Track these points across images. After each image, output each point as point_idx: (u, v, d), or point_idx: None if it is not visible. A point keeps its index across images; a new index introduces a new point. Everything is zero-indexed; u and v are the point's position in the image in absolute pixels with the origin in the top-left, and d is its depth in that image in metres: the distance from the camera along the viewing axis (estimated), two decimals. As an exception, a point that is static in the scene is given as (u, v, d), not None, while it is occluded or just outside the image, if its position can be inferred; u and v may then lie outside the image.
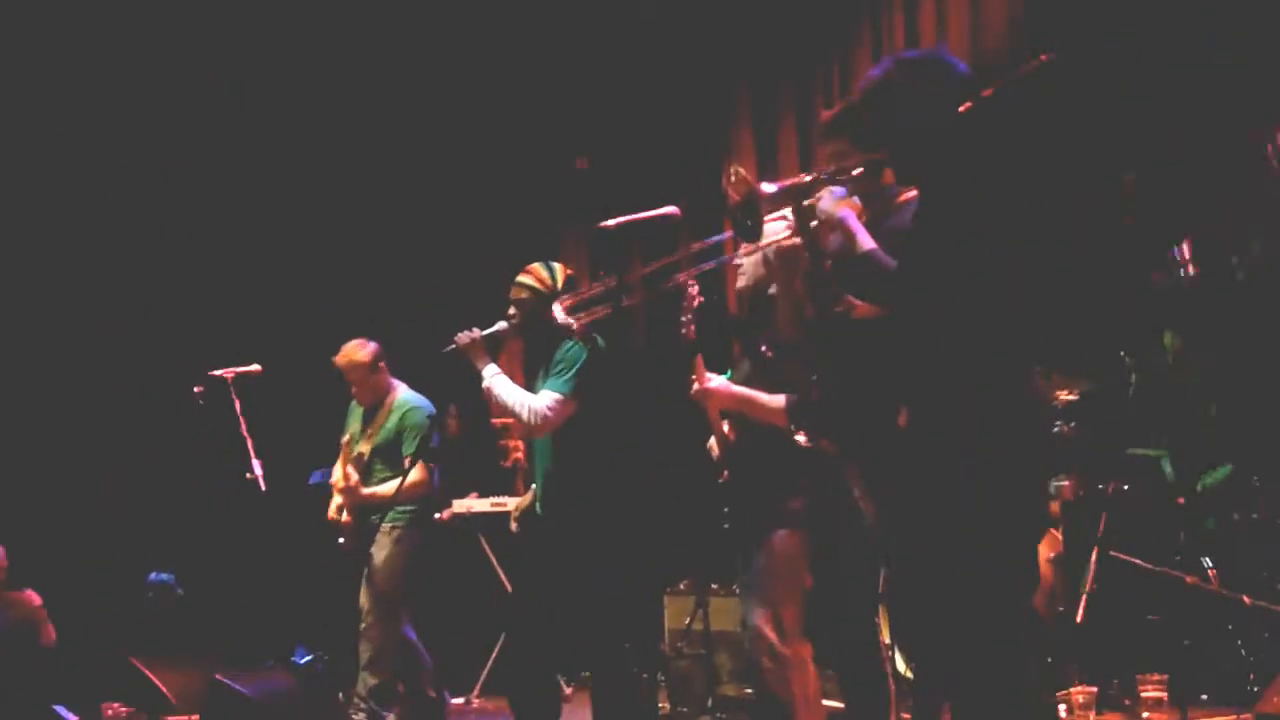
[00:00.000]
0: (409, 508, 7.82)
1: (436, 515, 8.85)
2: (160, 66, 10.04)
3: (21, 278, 9.94)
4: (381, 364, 8.01)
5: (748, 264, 5.49)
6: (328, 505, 7.95)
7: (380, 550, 7.76)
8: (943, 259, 3.88)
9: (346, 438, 7.94)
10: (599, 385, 6.33)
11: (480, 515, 9.56)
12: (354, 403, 8.15)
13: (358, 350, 7.99)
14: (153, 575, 9.53)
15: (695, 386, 5.51)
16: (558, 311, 6.24)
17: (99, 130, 10.00)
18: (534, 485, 6.54)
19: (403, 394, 8.02)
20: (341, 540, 7.86)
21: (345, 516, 7.82)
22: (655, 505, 6.81)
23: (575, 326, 6.18)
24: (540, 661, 6.41)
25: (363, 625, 7.73)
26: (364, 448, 7.86)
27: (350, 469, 7.75)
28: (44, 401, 9.80)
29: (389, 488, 7.70)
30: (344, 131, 10.51)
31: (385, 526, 7.75)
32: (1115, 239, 7.33)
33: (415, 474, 7.78)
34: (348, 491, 7.76)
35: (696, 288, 5.54)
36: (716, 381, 5.49)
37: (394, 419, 7.92)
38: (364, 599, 7.75)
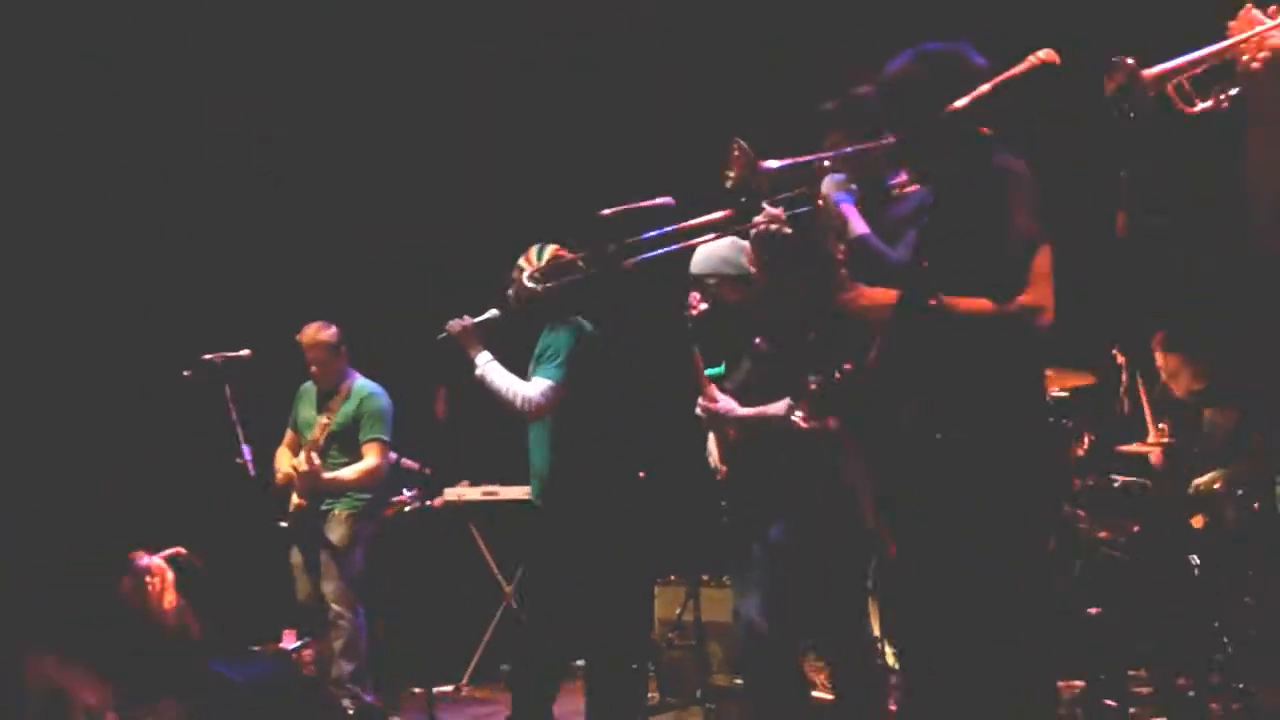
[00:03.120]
0: (364, 494, 7.85)
1: (430, 503, 8.87)
2: (147, 53, 9.99)
3: (9, 263, 9.90)
4: (343, 348, 8.06)
5: (716, 290, 5.54)
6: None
7: (337, 537, 7.82)
8: (957, 253, 3.90)
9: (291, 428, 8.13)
10: (590, 373, 6.33)
11: (471, 503, 9.56)
12: (304, 387, 8.22)
13: (321, 331, 8.06)
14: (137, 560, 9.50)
15: (702, 406, 5.53)
16: (526, 280, 6.25)
17: (90, 117, 9.95)
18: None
19: (360, 380, 8.08)
20: (284, 523, 7.91)
21: (296, 500, 7.85)
22: (648, 495, 6.82)
23: (540, 291, 6.18)
24: (539, 650, 6.41)
25: (330, 614, 7.77)
26: (319, 432, 7.87)
27: (312, 454, 7.76)
28: (31, 386, 9.75)
29: (348, 473, 7.77)
30: (338, 116, 10.47)
31: (340, 513, 7.81)
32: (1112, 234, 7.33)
33: (372, 459, 7.83)
34: (308, 475, 7.76)
35: (698, 295, 5.56)
36: (723, 403, 5.51)
37: (352, 404, 7.98)
38: (327, 587, 7.79)
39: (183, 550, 8.31)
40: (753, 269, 5.40)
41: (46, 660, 7.90)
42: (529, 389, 6.28)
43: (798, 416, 4.85)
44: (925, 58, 4.15)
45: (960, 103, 3.86)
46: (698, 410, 5.58)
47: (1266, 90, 3.34)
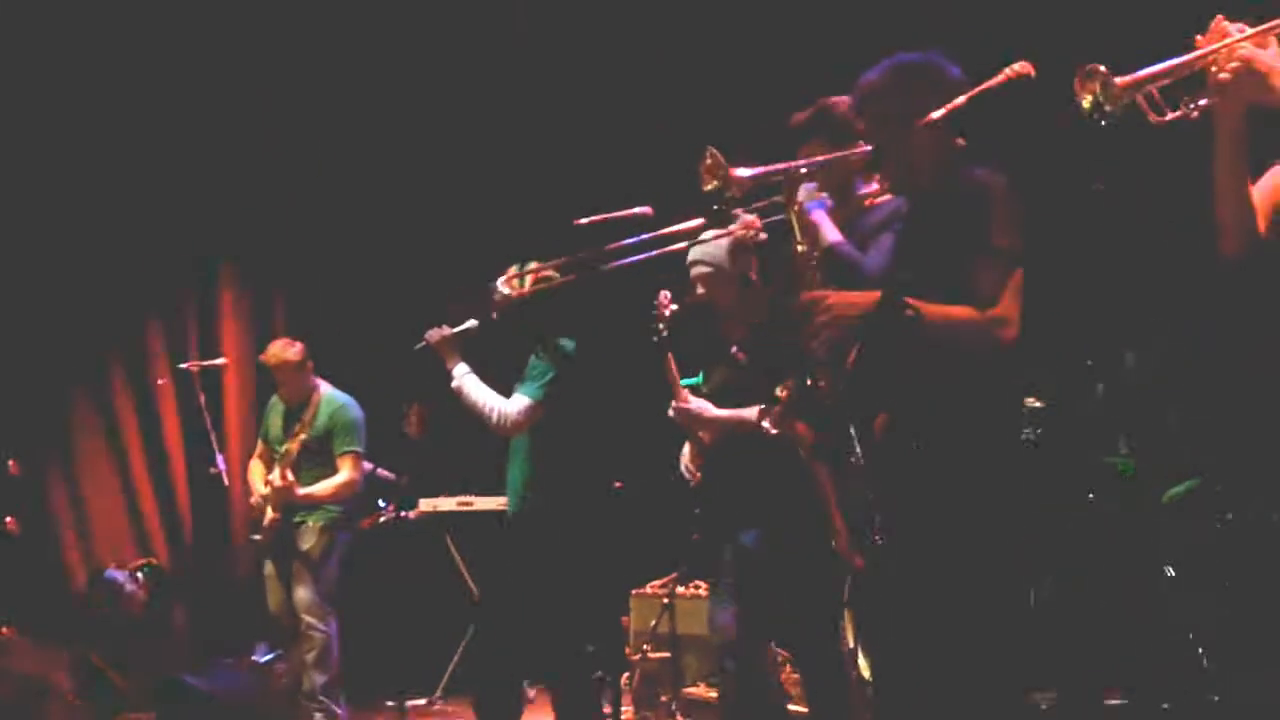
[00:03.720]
0: (338, 507, 7.85)
1: (406, 514, 8.86)
2: (116, 62, 9.99)
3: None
4: (309, 363, 8.05)
5: (698, 278, 5.53)
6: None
7: (311, 549, 7.79)
8: (932, 264, 3.91)
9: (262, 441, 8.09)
10: (572, 392, 6.32)
11: (447, 515, 9.54)
12: (273, 400, 8.20)
13: (286, 349, 8.04)
14: (109, 572, 9.47)
15: (675, 406, 5.53)
16: (500, 285, 6.24)
17: (63, 117, 9.94)
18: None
19: (328, 392, 8.07)
20: (258, 536, 7.89)
21: (270, 514, 7.82)
22: (624, 508, 6.81)
23: (512, 295, 6.17)
24: (505, 664, 6.40)
25: (302, 625, 7.75)
26: (292, 445, 7.85)
27: (286, 470, 7.75)
28: (4, 391, 9.72)
29: (322, 487, 7.77)
30: (315, 128, 10.48)
31: (314, 525, 7.80)
32: (1085, 246, 7.37)
33: (347, 473, 7.82)
34: (282, 490, 7.75)
35: (668, 294, 5.55)
36: (696, 404, 5.51)
37: (323, 417, 7.95)
38: (299, 598, 7.78)
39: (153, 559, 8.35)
40: (752, 274, 5.43)
41: (24, 647, 7.91)
42: (506, 405, 6.26)
43: (767, 423, 4.85)
44: (901, 68, 4.15)
45: (936, 114, 3.87)
46: (670, 412, 5.57)
47: (1234, 102, 3.35)
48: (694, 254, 5.57)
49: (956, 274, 3.89)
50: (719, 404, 5.53)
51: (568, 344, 6.35)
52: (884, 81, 4.15)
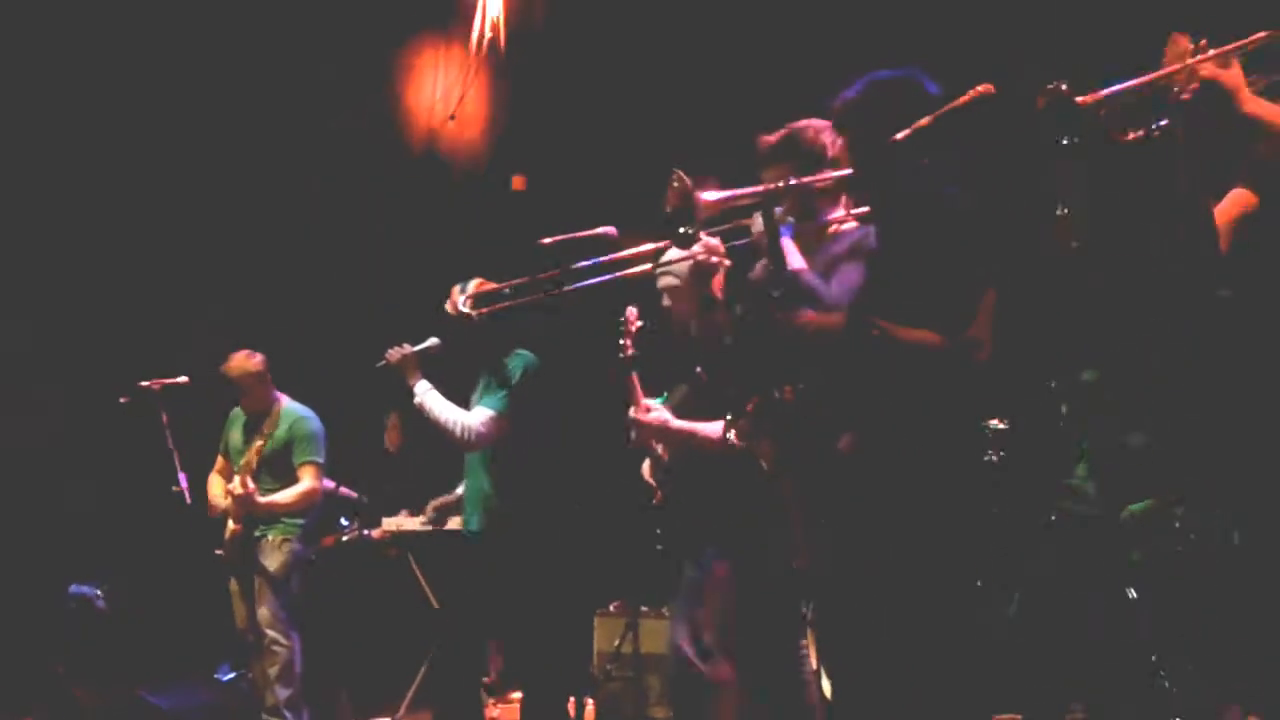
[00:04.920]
0: (299, 519, 7.82)
1: (369, 532, 8.83)
2: (81, 71, 9.96)
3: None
4: (269, 375, 8.03)
5: (670, 292, 5.53)
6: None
7: (272, 563, 7.77)
8: (903, 285, 3.91)
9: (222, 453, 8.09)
10: (533, 404, 6.32)
11: (410, 533, 9.50)
12: (234, 411, 8.18)
13: (247, 360, 8.02)
14: (74, 587, 9.42)
15: (633, 415, 5.52)
16: (460, 302, 6.23)
17: (30, 136, 9.90)
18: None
19: (288, 404, 8.05)
20: (220, 550, 7.84)
21: (232, 525, 7.78)
22: (587, 525, 6.80)
23: (474, 317, 6.17)
24: (469, 681, 6.38)
25: (265, 640, 7.71)
26: (251, 456, 7.82)
27: (246, 478, 7.72)
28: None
29: (283, 496, 7.74)
30: (274, 143, 10.45)
31: (274, 538, 7.77)
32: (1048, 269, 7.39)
33: (307, 483, 7.80)
34: (243, 500, 7.70)
35: (636, 311, 5.55)
36: (656, 413, 5.50)
37: (283, 428, 7.93)
38: (261, 613, 7.74)
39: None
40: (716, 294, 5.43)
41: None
42: (470, 418, 6.26)
43: (732, 435, 4.84)
44: (878, 85, 4.16)
45: (900, 135, 3.88)
46: (629, 419, 5.56)
47: (1197, 121, 3.36)
48: (667, 268, 5.57)
49: (925, 297, 3.90)
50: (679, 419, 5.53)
51: (519, 361, 6.35)
52: (861, 98, 4.16)
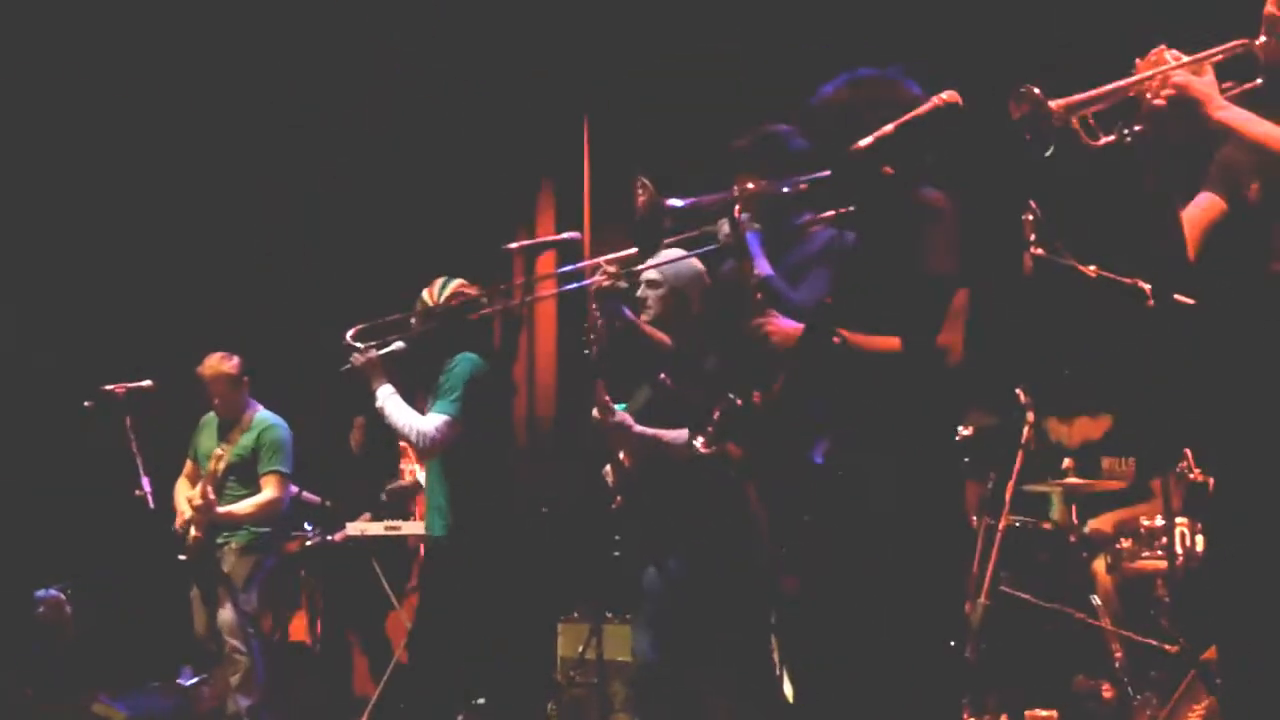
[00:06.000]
0: (261, 527, 7.79)
1: (330, 538, 8.79)
2: (35, 76, 9.92)
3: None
4: (245, 379, 8.01)
5: (652, 297, 5.51)
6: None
7: (235, 570, 7.74)
8: (873, 289, 3.91)
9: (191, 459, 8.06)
10: (487, 407, 6.31)
11: (373, 538, 9.46)
12: (206, 417, 8.15)
13: (223, 362, 8.01)
14: (39, 592, 9.37)
15: (596, 418, 5.50)
16: (347, 335, 6.25)
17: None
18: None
19: (261, 412, 8.03)
20: (183, 556, 7.79)
21: (194, 532, 7.74)
22: (547, 531, 6.79)
23: (353, 361, 6.19)
24: (434, 689, 6.36)
25: (227, 648, 7.67)
26: (217, 466, 7.78)
27: (208, 487, 7.68)
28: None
29: (244, 506, 7.71)
30: (241, 144, 10.41)
31: (236, 546, 7.75)
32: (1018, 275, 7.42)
33: (270, 492, 7.77)
34: (203, 508, 7.66)
35: (599, 312, 5.53)
36: (619, 417, 5.48)
37: (251, 436, 7.92)
38: (223, 620, 7.70)
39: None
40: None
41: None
42: (424, 423, 6.25)
43: (699, 442, 4.83)
44: (856, 83, 4.15)
45: (864, 142, 3.86)
46: (591, 420, 5.54)
47: (1167, 128, 3.37)
48: (657, 270, 5.55)
49: (895, 300, 3.90)
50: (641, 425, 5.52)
51: (465, 364, 6.34)
52: (838, 96, 4.15)
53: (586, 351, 5.53)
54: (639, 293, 5.57)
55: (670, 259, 5.42)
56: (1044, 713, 6.51)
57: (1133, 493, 7.41)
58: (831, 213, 4.51)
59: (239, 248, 10.42)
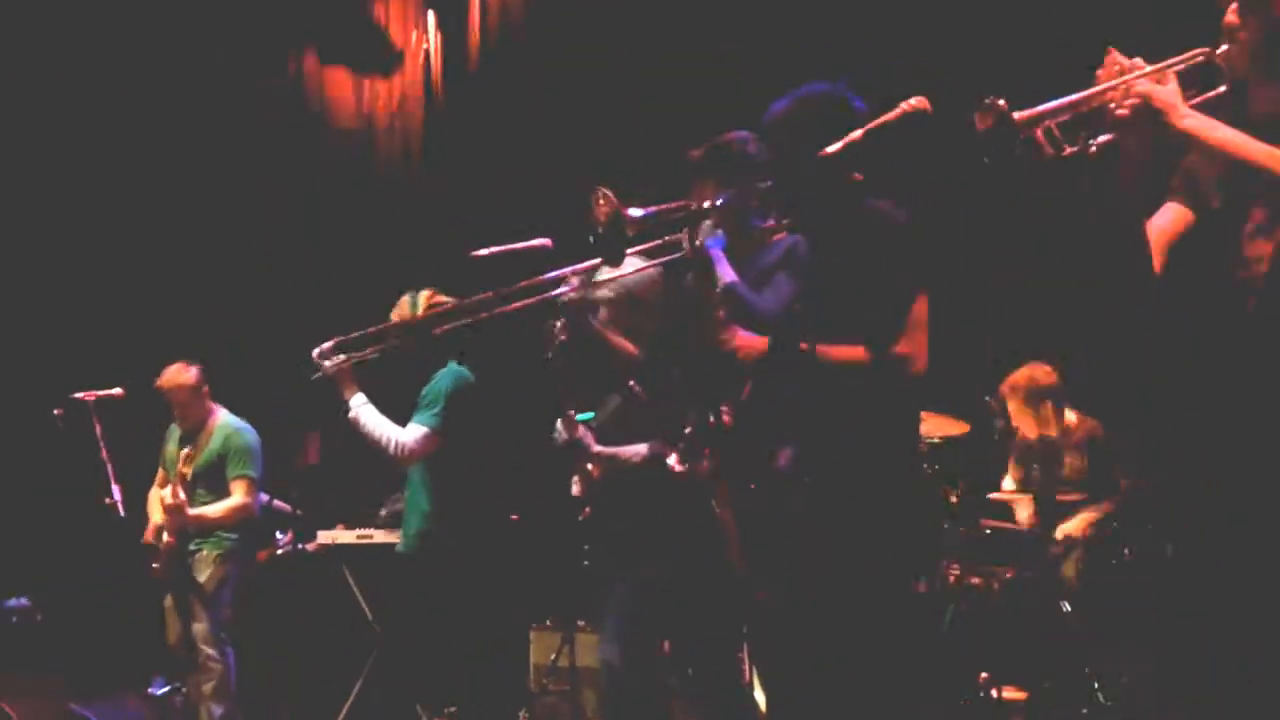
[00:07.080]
0: (232, 534, 7.76)
1: (303, 546, 8.77)
2: (16, 88, 9.91)
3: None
4: (205, 388, 7.98)
5: (602, 302, 5.51)
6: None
7: (206, 577, 7.71)
8: (833, 299, 3.92)
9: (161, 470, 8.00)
10: (468, 419, 6.30)
11: (345, 547, 9.43)
12: (173, 426, 8.12)
13: (181, 373, 7.97)
14: (10, 601, 9.33)
15: (558, 433, 5.50)
16: (317, 350, 6.23)
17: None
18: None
19: (224, 417, 8.01)
20: (155, 565, 7.75)
21: (166, 538, 7.70)
22: (521, 539, 6.78)
23: (324, 370, 6.16)
24: (405, 697, 6.37)
25: (200, 657, 7.64)
26: (185, 470, 7.75)
27: (178, 487, 7.65)
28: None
29: (215, 509, 7.68)
30: (212, 151, 10.40)
31: (208, 553, 7.72)
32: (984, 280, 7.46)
33: (239, 497, 7.75)
34: (174, 511, 7.62)
35: (561, 322, 5.51)
36: (579, 434, 5.47)
37: (216, 441, 7.90)
38: (195, 629, 7.66)
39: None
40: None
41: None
42: (404, 434, 6.23)
43: (672, 460, 4.82)
44: (805, 100, 4.17)
45: (832, 148, 3.88)
46: (554, 434, 5.54)
47: (1133, 138, 3.37)
48: (625, 279, 5.55)
49: (855, 310, 3.91)
50: (606, 435, 5.51)
51: (449, 377, 6.33)
52: (788, 112, 4.17)
53: (547, 359, 5.53)
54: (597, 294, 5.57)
55: (619, 273, 5.41)
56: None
57: (1099, 488, 7.43)
58: (788, 221, 4.53)
59: (209, 255, 10.39)
